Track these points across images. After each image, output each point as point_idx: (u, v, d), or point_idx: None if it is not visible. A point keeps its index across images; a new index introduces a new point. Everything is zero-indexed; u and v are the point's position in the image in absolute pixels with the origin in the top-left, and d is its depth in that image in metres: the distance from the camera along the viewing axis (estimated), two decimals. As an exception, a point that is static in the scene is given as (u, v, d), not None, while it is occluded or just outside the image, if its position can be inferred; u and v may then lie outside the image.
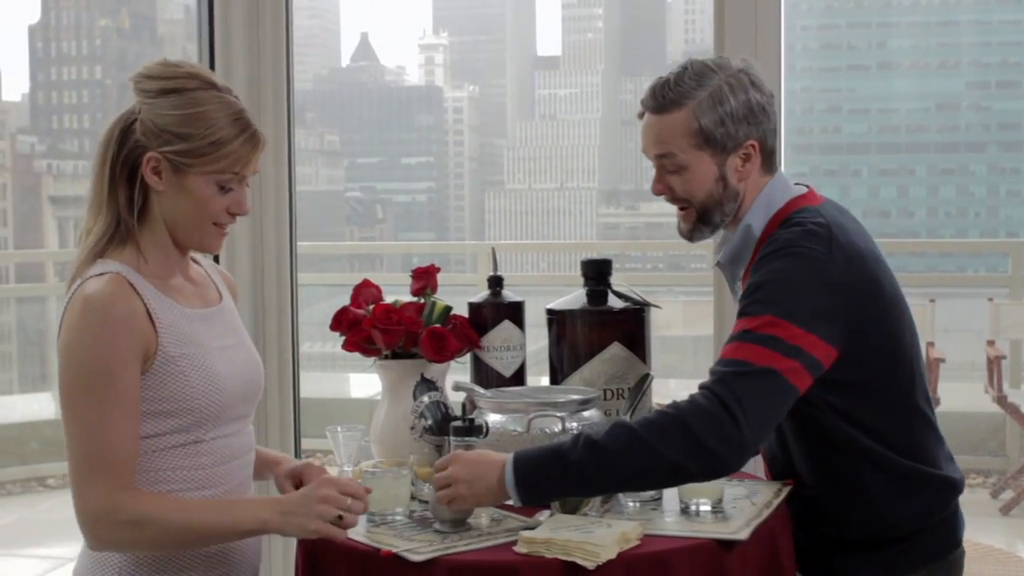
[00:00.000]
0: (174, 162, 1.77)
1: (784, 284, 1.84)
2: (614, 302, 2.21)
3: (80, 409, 1.75)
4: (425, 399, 2.09)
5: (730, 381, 1.78)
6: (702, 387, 1.82)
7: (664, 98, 1.95)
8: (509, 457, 1.80)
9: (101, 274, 1.78)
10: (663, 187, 2.00)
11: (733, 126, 1.93)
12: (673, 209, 2.04)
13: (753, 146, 1.96)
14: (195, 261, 1.99)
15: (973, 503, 5.64)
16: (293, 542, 2.02)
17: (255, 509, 1.78)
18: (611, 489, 1.86)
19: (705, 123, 1.92)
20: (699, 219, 1.99)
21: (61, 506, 5.73)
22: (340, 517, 1.74)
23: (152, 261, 1.83)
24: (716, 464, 1.77)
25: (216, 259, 2.91)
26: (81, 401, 1.75)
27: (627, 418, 1.97)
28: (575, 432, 1.86)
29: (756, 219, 1.97)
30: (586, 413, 2.00)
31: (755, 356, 1.80)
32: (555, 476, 1.78)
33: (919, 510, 1.99)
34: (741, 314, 1.87)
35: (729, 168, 1.95)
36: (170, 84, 1.79)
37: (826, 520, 2.01)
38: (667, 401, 1.85)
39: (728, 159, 1.95)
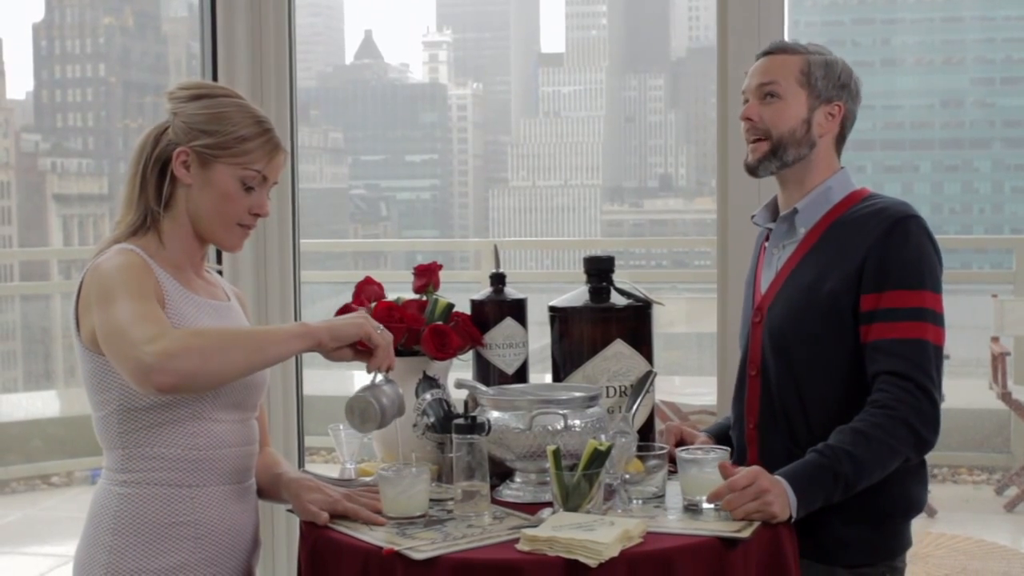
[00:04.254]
0: (202, 155, 1.89)
1: (928, 258, 2.04)
2: (617, 299, 2.20)
3: (114, 303, 1.76)
4: (427, 397, 2.08)
5: (924, 365, 1.99)
6: (902, 375, 1.97)
7: (786, 44, 2.18)
8: (781, 478, 1.89)
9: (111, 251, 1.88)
10: (753, 113, 2.15)
11: (834, 84, 2.14)
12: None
13: (839, 107, 2.15)
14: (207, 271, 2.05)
15: (977, 500, 5.63)
16: (295, 541, 2.02)
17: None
18: (862, 487, 1.97)
19: (813, 70, 2.14)
20: (771, 151, 2.14)
21: (65, 504, 5.73)
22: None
23: (169, 250, 1.92)
24: (928, 448, 2.01)
25: (219, 257, 2.91)
26: (113, 302, 1.76)
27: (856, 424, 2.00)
28: (822, 449, 1.94)
29: (837, 184, 2.15)
30: (589, 411, 2.00)
31: (935, 336, 2.02)
32: (828, 488, 1.92)
33: (920, 498, 2.10)
34: (900, 286, 2.00)
35: (815, 117, 2.13)
36: (200, 91, 1.94)
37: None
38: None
39: (818, 108, 2.13)
